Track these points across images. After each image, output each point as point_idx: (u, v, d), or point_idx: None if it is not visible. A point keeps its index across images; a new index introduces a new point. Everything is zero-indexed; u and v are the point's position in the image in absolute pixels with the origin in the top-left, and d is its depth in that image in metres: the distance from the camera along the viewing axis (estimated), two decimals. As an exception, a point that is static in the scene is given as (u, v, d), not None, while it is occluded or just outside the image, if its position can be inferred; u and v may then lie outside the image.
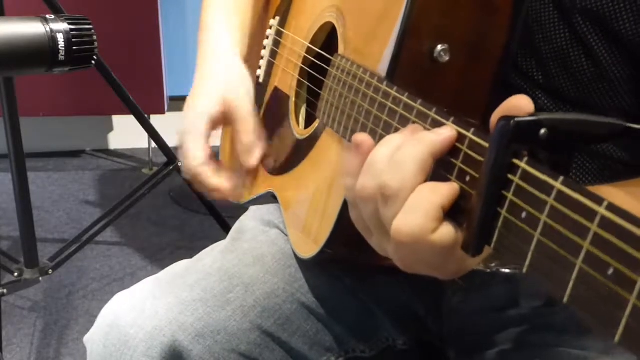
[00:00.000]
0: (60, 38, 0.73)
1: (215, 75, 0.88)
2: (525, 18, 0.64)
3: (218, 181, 0.86)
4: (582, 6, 0.63)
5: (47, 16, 0.74)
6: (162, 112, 2.71)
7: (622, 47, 0.63)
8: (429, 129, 0.52)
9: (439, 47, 0.60)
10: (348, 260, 0.77)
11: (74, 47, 0.74)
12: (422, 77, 0.62)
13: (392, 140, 0.53)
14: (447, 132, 0.50)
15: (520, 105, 0.47)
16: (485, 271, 0.74)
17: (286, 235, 0.83)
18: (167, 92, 2.74)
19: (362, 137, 0.55)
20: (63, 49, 0.73)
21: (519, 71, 0.68)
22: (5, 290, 1.58)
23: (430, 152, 0.50)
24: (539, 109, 0.67)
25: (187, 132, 0.85)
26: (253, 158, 0.86)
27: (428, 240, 0.49)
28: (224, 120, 0.87)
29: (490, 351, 0.76)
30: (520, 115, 0.45)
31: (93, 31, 0.76)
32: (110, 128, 3.00)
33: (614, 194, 0.61)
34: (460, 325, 0.80)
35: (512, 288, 0.76)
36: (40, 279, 1.64)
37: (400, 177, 0.50)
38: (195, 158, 0.85)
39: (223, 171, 0.87)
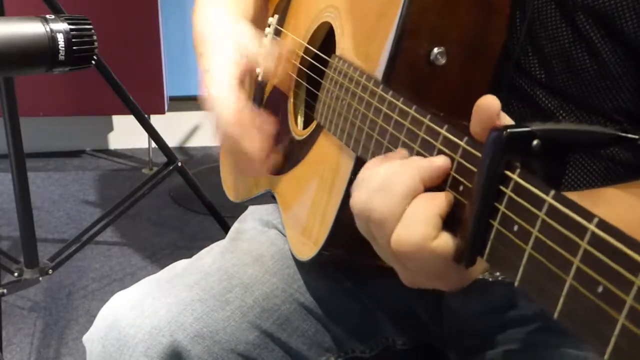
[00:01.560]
0: (60, 38, 0.73)
1: (222, 42, 0.84)
2: (528, 18, 0.64)
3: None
4: (584, 4, 0.62)
5: (47, 16, 0.74)
6: (162, 112, 2.70)
7: (625, 45, 0.63)
8: (423, 137, 0.52)
9: (436, 49, 0.60)
10: (347, 261, 0.77)
11: (74, 47, 0.74)
12: (418, 80, 0.62)
13: (386, 163, 0.54)
14: (440, 162, 0.50)
15: (487, 105, 0.48)
16: (488, 280, 0.74)
17: (285, 236, 0.83)
18: (167, 92, 2.74)
19: None
20: (63, 49, 0.73)
21: (521, 70, 0.67)
22: (5, 290, 1.58)
23: (421, 178, 0.50)
24: (539, 110, 0.67)
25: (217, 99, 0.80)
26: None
27: (430, 248, 0.49)
28: (251, 68, 0.83)
29: (491, 352, 0.76)
30: (513, 126, 0.45)
31: (93, 31, 0.76)
32: (110, 128, 3.00)
33: (618, 196, 0.61)
34: (460, 326, 0.80)
35: (512, 289, 0.76)
36: (40, 279, 1.64)
37: (389, 204, 0.50)
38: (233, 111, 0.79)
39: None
